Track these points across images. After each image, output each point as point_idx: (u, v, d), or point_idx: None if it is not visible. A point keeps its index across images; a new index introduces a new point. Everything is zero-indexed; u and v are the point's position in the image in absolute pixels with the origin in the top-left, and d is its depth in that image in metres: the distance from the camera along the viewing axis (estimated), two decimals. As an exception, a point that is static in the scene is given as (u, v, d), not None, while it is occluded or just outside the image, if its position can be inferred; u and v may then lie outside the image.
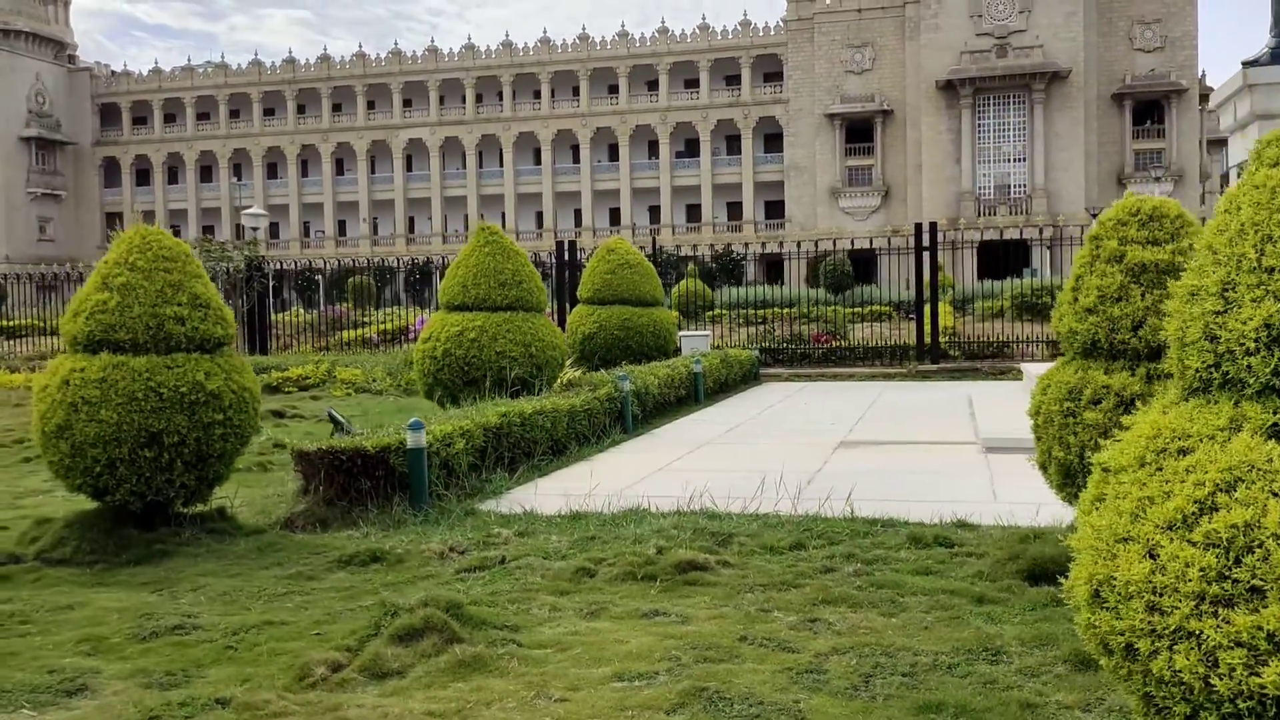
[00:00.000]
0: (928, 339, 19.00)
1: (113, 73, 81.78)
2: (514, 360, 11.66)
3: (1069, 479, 4.81)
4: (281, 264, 29.29)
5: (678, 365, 14.90)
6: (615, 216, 74.12)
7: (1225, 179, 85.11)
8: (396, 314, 27.48)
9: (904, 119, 65.96)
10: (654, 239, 24.94)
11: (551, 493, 8.19)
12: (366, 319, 27.19)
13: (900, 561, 5.61)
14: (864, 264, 58.24)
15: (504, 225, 74.99)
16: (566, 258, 20.33)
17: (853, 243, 64.84)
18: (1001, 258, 53.84)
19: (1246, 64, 10.71)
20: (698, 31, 71.75)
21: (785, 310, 26.55)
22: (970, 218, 62.57)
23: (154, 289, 6.42)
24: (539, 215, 75.48)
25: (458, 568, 5.96)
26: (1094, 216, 51.77)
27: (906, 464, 9.29)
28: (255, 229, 26.58)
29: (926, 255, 18.61)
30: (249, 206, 75.95)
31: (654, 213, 73.38)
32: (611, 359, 16.16)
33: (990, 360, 18.95)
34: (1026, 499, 6.96)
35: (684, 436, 11.67)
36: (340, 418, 9.33)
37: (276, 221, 78.36)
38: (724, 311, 27.41)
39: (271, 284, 22.45)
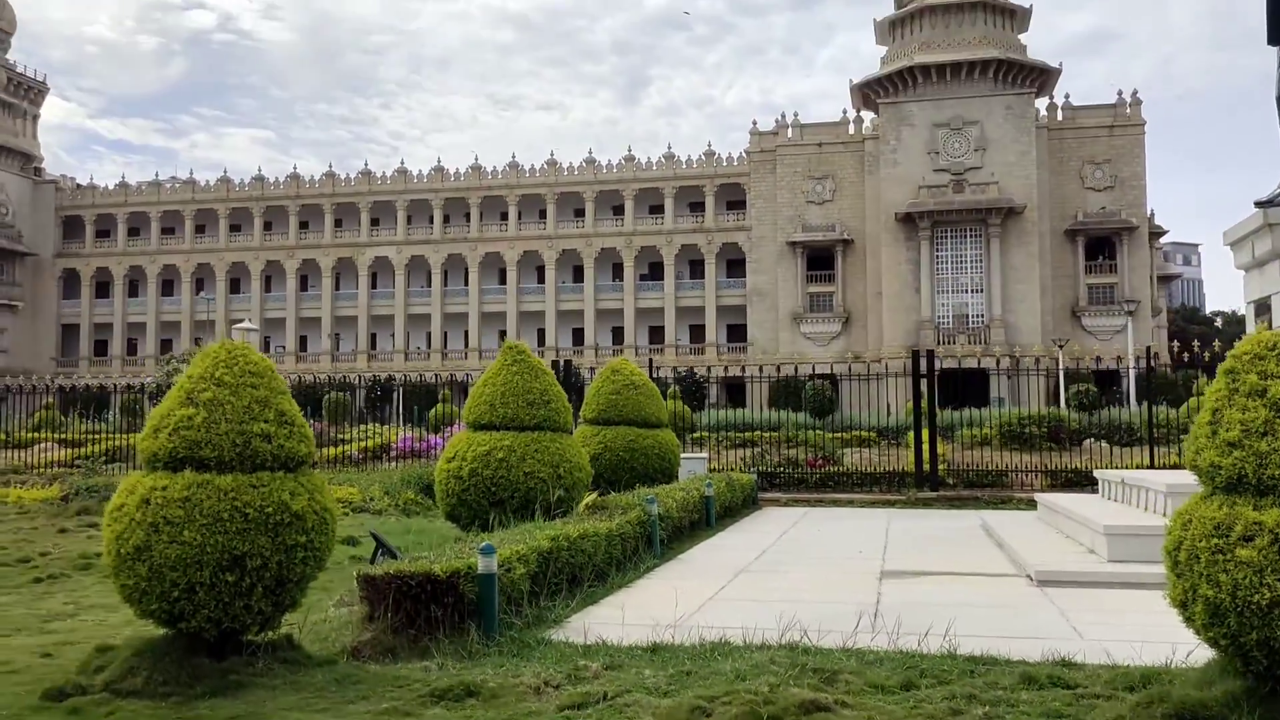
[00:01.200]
0: (926, 466, 19.05)
1: (78, 186, 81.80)
2: (542, 481, 11.46)
3: (1217, 618, 4.74)
4: None
5: (690, 489, 14.75)
6: (579, 336, 74.58)
7: (1180, 313, 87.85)
8: (376, 431, 27.09)
9: (864, 248, 67.70)
10: (650, 361, 24.90)
11: (612, 621, 7.94)
12: (345, 436, 26.75)
13: (1026, 704, 5.45)
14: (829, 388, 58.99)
15: (468, 343, 75.11)
16: (563, 377, 20.26)
17: (814, 368, 65.99)
18: (962, 386, 54.78)
19: (1261, 204, 11.13)
20: (663, 160, 73.65)
21: (769, 434, 26.61)
22: (928, 346, 63.71)
23: (241, 405, 6.24)
24: (502, 334, 75.63)
25: (558, 704, 5.69)
26: (1060, 347, 53.04)
27: (961, 596, 9.17)
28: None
29: (924, 382, 18.80)
30: (207, 320, 75.39)
31: (617, 333, 73.97)
32: (616, 480, 15.95)
33: (989, 489, 19.02)
34: (1120, 636, 6.87)
35: (715, 562, 11.46)
36: (387, 541, 9.04)
37: (199, 336, 77.66)
38: (706, 434, 27.38)
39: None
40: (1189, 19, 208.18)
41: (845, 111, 70.11)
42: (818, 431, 26.66)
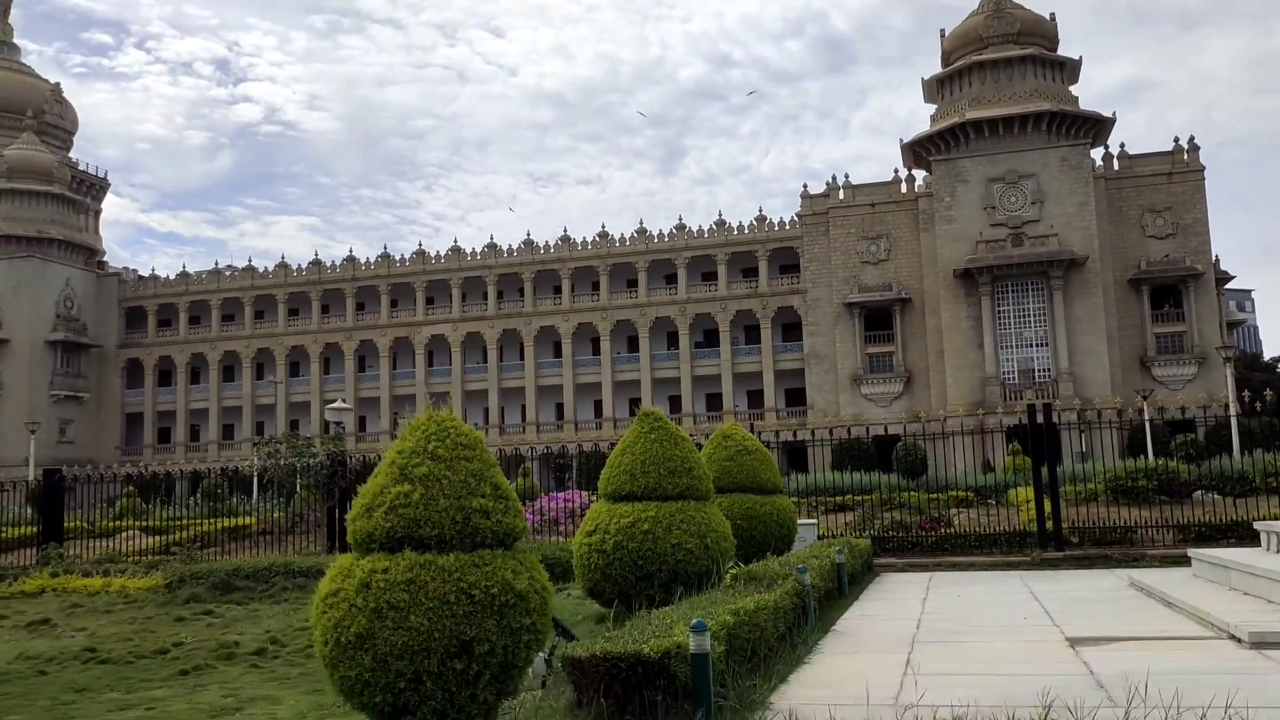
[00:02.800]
0: (1049, 525, 18.31)
1: (140, 277, 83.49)
2: (690, 553, 11.03)
3: None
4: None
5: (822, 556, 14.19)
6: (635, 407, 73.99)
7: (1240, 360, 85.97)
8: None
9: (922, 306, 67.05)
10: (753, 425, 24.37)
11: (817, 701, 7.42)
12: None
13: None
14: (887, 448, 57.96)
15: (524, 418, 75.03)
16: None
17: (868, 430, 65.06)
18: (1034, 442, 53.48)
19: None
20: (714, 227, 73.83)
21: (861, 496, 25.93)
22: (994, 403, 62.63)
23: (458, 479, 5.91)
24: (559, 407, 75.57)
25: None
26: (1144, 398, 51.70)
27: (1175, 664, 8.52)
28: (339, 423, 26.18)
29: (1042, 438, 18.15)
30: (268, 404, 75.99)
31: (674, 402, 73.51)
32: (736, 551, 15.45)
33: (1116, 546, 18.21)
34: None
35: (876, 633, 10.88)
36: (563, 622, 8.62)
37: (296, 419, 78.34)
38: (798, 500, 26.73)
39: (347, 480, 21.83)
40: (1227, 66, 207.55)
41: (896, 171, 70.00)
42: (912, 493, 25.97)
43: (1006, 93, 66.16)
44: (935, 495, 25.82)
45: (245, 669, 10.03)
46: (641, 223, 77.12)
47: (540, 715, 6.77)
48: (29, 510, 33.17)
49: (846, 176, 70.23)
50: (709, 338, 74.08)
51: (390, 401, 76.94)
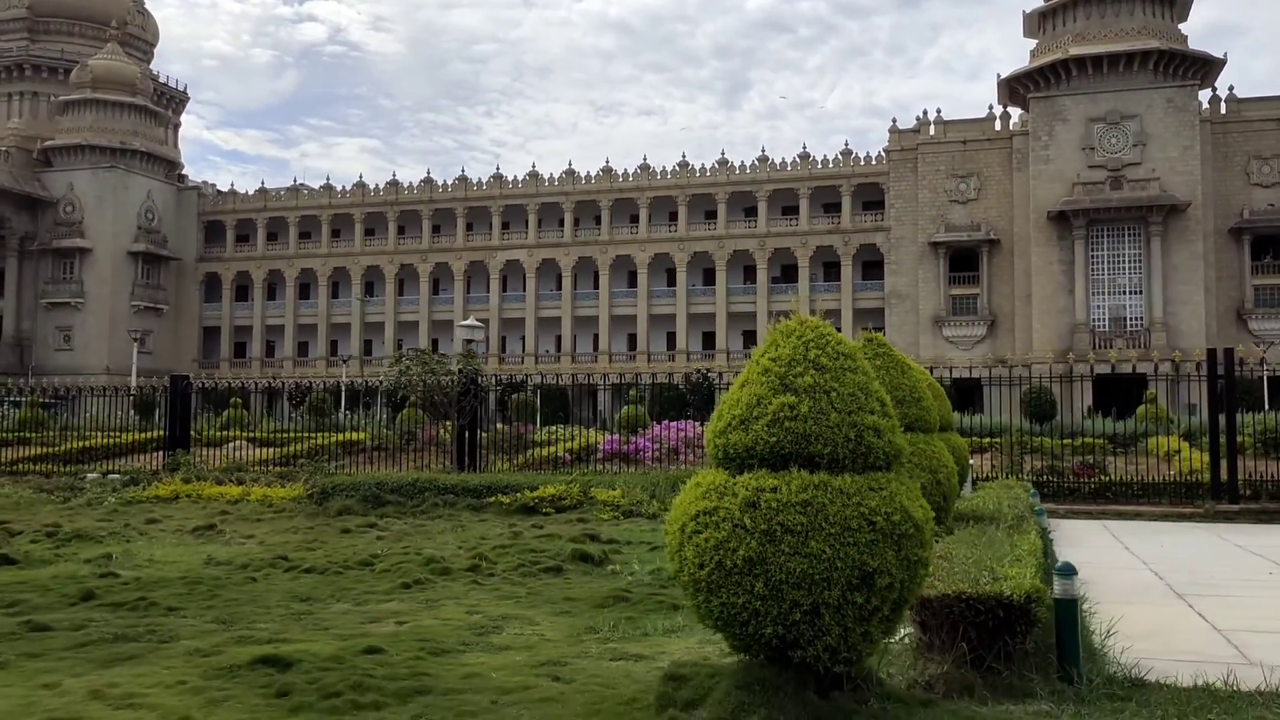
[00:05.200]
0: (1224, 475, 17.42)
1: (219, 192, 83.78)
2: (924, 489, 10.35)
3: None
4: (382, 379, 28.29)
5: (1009, 500, 13.47)
6: (709, 340, 73.51)
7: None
8: (580, 434, 26.40)
9: (1011, 248, 65.25)
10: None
11: (1155, 655, 6.76)
12: (552, 438, 26.07)
13: None
14: (966, 393, 56.76)
15: (596, 346, 74.69)
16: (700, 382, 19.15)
17: (951, 372, 63.69)
18: (1118, 392, 52.19)
19: None
20: (797, 160, 72.18)
21: (989, 440, 25.10)
22: (1083, 350, 61.02)
23: (846, 392, 5.26)
24: (631, 337, 75.06)
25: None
26: (1268, 349, 49.93)
27: None
28: (471, 341, 25.77)
29: (1221, 384, 17.20)
30: (342, 323, 76.16)
31: (749, 337, 72.70)
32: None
33: (1295, 500, 17.30)
34: None
35: (1123, 583, 10.19)
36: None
37: (370, 339, 78.69)
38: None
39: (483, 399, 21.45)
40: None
41: (991, 107, 67.76)
42: (1041, 438, 25.11)
43: (1113, 29, 63.38)
44: (1066, 441, 24.93)
45: (466, 585, 9.60)
46: (723, 153, 75.77)
47: (889, 654, 6.18)
48: (135, 416, 33.41)
49: (939, 112, 68.11)
50: (787, 273, 72.88)
51: (463, 325, 76.85)
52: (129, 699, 5.74)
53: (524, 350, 75.96)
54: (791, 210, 72.48)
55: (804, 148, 73.06)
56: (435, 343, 77.99)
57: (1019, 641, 5.97)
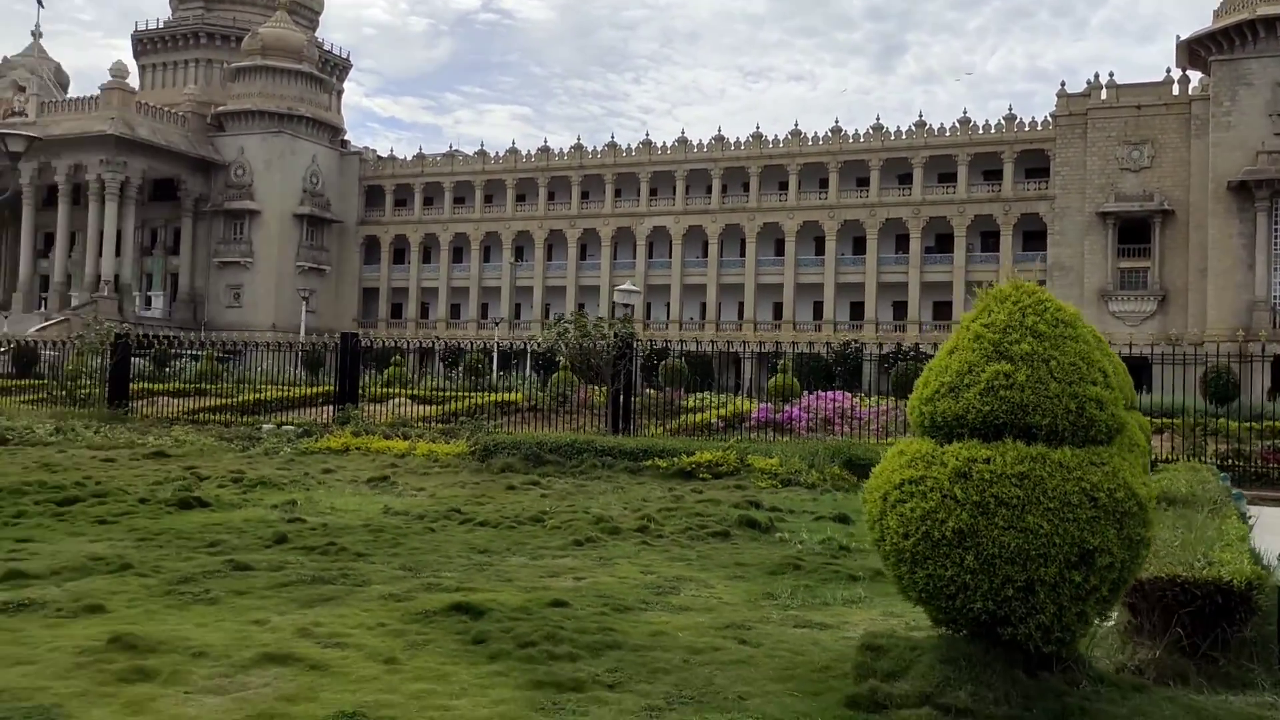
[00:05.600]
0: None
1: (379, 157, 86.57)
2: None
3: None
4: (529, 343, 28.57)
5: (1199, 482, 12.76)
6: (857, 311, 72.16)
7: None
8: (730, 401, 26.33)
9: (1186, 220, 61.70)
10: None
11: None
12: (702, 404, 26.08)
13: None
14: (1134, 372, 53.86)
15: (741, 315, 74.32)
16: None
17: (1120, 348, 60.64)
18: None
19: None
20: (957, 125, 69.82)
21: (1164, 421, 23.88)
22: (1260, 328, 57.38)
23: (1067, 361, 5.02)
24: (777, 306, 74.33)
25: None
26: None
27: None
28: (628, 305, 26.07)
29: None
30: (493, 286, 77.88)
31: (899, 308, 71.07)
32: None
33: None
34: None
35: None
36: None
37: (519, 303, 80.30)
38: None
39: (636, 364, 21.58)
40: None
41: (1168, 70, 64.03)
42: (1222, 420, 23.72)
43: (1310, -17, 58.82)
44: (1249, 424, 23.49)
45: (636, 545, 9.68)
46: (878, 118, 73.95)
47: (1096, 636, 5.93)
48: (304, 372, 35.00)
49: (1110, 75, 64.74)
50: (941, 242, 70.81)
51: (609, 290, 77.63)
52: (334, 638, 5.98)
53: (668, 317, 76.20)
54: (948, 178, 70.26)
55: (964, 113, 70.59)
56: (581, 307, 78.97)
57: (1236, 630, 5.63)
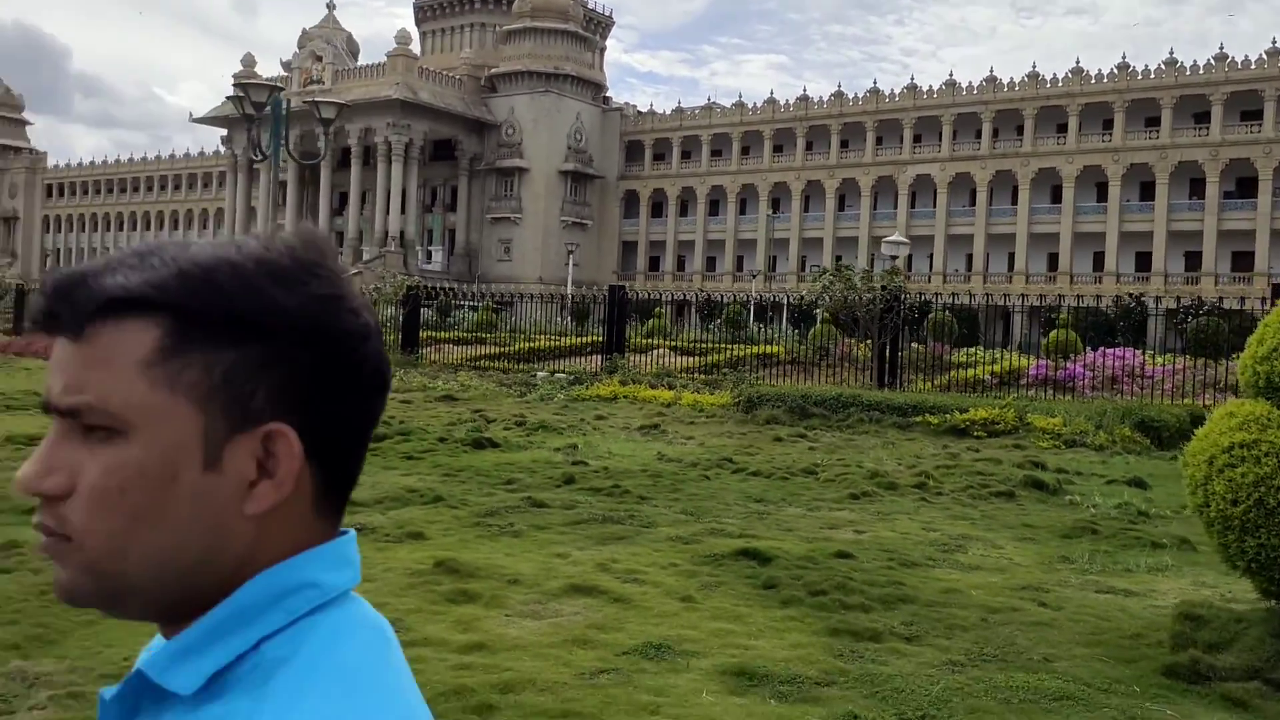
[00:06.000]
0: None
1: (638, 113, 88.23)
2: None
3: None
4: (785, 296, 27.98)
5: None
6: (1143, 262, 67.01)
7: None
8: (1002, 357, 25.28)
9: None
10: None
11: None
12: (971, 360, 25.19)
13: None
14: None
15: (1011, 266, 70.78)
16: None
17: None
18: None
19: None
20: (1264, 57, 62.96)
21: None
22: None
23: None
24: (1052, 257, 70.18)
25: None
26: None
27: None
28: (894, 257, 25.62)
29: None
30: (749, 239, 77.91)
31: (1192, 259, 65.42)
32: None
33: None
34: None
35: None
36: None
37: (775, 255, 80.00)
38: None
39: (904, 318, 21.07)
40: None
41: None
42: None
43: None
44: None
45: (914, 501, 9.55)
46: (1171, 52, 67.76)
47: None
48: (571, 322, 36.54)
49: None
50: (1243, 187, 64.41)
51: (868, 242, 75.92)
52: (631, 574, 6.29)
53: (930, 268, 73.67)
54: (1252, 115, 63.63)
55: (1273, 43, 63.56)
56: (839, 259, 77.62)
57: None
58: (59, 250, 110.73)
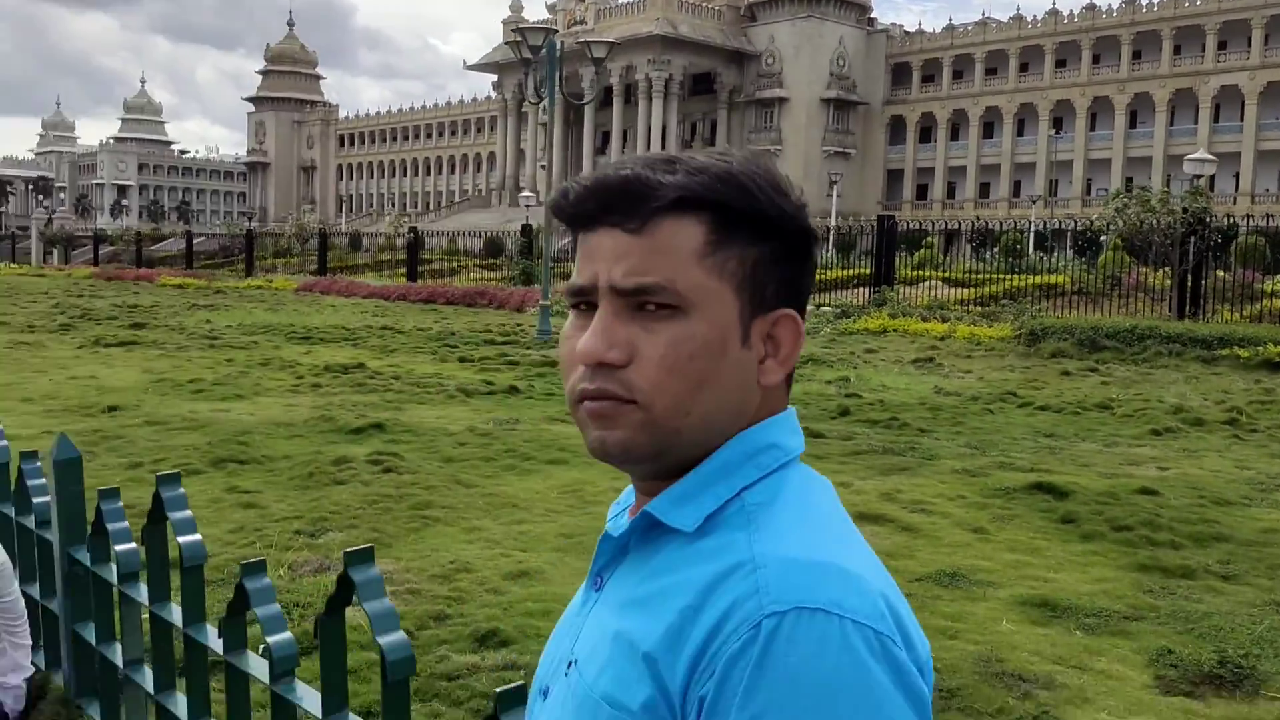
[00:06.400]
0: None
1: (906, 33, 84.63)
2: None
3: None
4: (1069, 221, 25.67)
5: None
6: None
7: None
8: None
9: None
10: None
11: None
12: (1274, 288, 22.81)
13: None
14: None
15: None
16: None
17: None
18: None
19: None
20: None
21: None
22: None
23: None
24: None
25: None
26: None
27: None
28: (1198, 176, 23.59)
29: None
30: (1026, 162, 73.30)
31: None
32: None
33: None
34: None
35: None
36: None
37: (1056, 179, 75.10)
38: None
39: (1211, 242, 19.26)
40: None
41: None
42: None
43: None
44: None
45: (1224, 439, 8.85)
46: None
47: None
48: (835, 254, 35.93)
49: None
50: None
51: (1163, 162, 69.73)
52: (918, 504, 6.24)
53: (1236, 189, 66.87)
54: None
55: None
56: (1129, 181, 71.94)
57: None
58: (351, 197, 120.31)
